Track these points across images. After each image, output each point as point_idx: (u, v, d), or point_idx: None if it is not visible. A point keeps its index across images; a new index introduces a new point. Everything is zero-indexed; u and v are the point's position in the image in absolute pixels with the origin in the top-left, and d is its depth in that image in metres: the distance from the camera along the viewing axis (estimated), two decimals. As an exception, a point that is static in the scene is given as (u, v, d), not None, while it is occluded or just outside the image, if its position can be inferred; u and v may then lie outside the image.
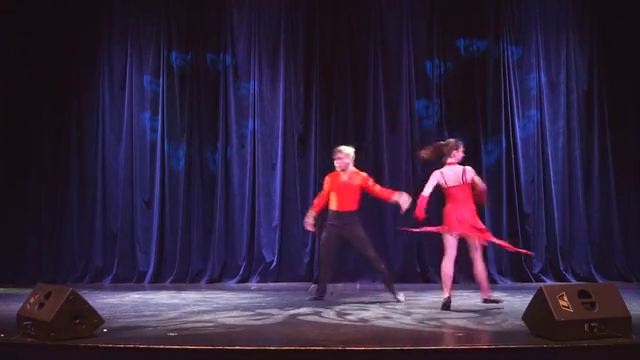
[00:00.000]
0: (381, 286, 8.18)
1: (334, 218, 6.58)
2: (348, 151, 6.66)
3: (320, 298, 6.63)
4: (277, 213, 8.71)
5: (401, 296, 6.52)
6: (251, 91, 8.92)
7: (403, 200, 6.42)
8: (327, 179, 6.74)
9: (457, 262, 6.06)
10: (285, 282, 8.50)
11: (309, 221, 6.70)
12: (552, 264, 8.51)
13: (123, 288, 8.01)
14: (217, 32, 9.02)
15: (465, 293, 7.21)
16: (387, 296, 6.93)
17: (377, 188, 6.65)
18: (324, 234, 6.66)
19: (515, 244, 6.87)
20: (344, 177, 6.61)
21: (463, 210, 5.86)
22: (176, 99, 8.96)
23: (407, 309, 5.94)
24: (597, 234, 8.64)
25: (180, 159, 8.92)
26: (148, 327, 4.98)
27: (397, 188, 8.59)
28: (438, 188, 6.05)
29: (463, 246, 8.50)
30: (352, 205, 6.55)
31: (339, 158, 6.62)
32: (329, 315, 5.58)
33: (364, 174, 6.67)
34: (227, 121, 8.92)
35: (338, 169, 6.65)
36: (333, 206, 6.59)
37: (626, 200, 8.68)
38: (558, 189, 8.65)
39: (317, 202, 6.78)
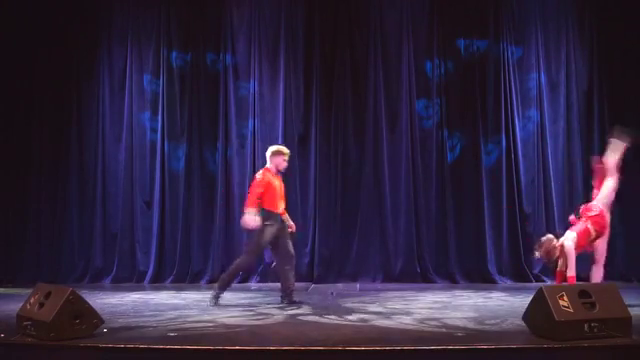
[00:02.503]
0: (381, 286, 8.23)
1: None
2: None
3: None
4: (277, 213, 8.68)
5: (296, 298, 6.36)
6: (251, 91, 8.92)
7: (246, 219, 6.15)
8: None
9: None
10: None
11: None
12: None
13: (123, 288, 8.01)
14: (217, 32, 9.01)
15: (465, 293, 7.22)
16: (387, 296, 6.95)
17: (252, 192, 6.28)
18: None
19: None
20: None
21: None
22: (176, 99, 8.96)
23: (407, 309, 5.93)
24: (597, 234, 8.61)
25: (180, 159, 8.92)
26: (148, 327, 4.98)
27: (397, 188, 8.70)
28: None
29: (463, 243, 8.61)
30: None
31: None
32: (329, 315, 5.57)
33: (256, 175, 6.44)
34: (227, 121, 8.91)
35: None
36: None
37: (626, 200, 8.65)
38: (558, 189, 8.64)
39: None
